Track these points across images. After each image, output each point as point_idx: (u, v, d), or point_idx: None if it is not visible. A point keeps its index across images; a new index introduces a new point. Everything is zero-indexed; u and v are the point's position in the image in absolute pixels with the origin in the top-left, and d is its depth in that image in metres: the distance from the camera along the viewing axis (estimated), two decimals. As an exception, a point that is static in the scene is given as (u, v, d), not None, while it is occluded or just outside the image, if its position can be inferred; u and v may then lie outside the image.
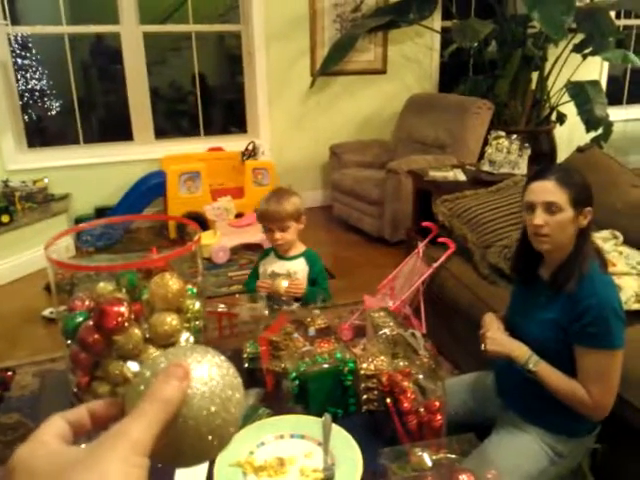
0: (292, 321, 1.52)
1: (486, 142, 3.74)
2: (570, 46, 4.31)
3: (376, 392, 1.25)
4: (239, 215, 3.93)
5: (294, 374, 1.22)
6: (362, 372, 1.24)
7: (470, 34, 3.86)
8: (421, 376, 1.15)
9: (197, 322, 1.36)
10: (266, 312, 1.56)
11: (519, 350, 1.39)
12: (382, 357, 1.28)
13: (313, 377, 1.22)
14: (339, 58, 4.37)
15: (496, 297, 1.97)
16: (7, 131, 3.89)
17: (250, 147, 4.24)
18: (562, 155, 4.77)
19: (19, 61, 3.99)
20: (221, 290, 3.24)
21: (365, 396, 1.25)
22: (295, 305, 1.82)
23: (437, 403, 1.10)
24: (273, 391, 1.36)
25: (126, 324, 1.21)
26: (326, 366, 1.24)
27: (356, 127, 4.82)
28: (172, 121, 4.79)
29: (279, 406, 1.28)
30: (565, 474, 1.50)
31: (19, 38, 3.93)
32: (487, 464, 1.22)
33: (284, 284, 1.83)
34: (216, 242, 3.66)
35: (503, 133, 3.04)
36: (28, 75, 4.07)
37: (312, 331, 1.50)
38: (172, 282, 1.30)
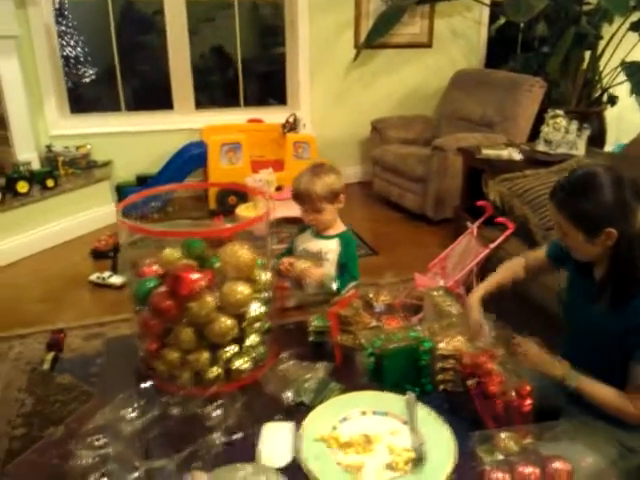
0: (358, 297, 1.48)
1: (538, 121, 3.61)
2: (626, 24, 4.11)
3: (452, 373, 1.21)
4: (279, 188, 3.89)
5: (370, 350, 1.19)
6: (439, 352, 1.20)
7: (524, 8, 3.69)
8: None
9: (266, 293, 1.33)
10: (334, 287, 1.52)
11: (553, 367, 1.24)
12: (459, 337, 1.23)
13: (389, 354, 1.18)
14: (385, 30, 4.24)
15: (557, 281, 1.90)
16: (50, 96, 3.88)
17: (291, 120, 4.17)
18: (611, 138, 4.60)
19: (58, 27, 3.96)
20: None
21: (440, 376, 1.21)
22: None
23: (528, 387, 1.05)
24: (342, 365, 1.33)
25: (200, 291, 1.19)
26: (403, 344, 1.20)
27: (398, 102, 4.70)
28: (208, 91, 4.73)
29: (349, 381, 1.25)
30: (634, 469, 1.45)
31: (56, 3, 3.89)
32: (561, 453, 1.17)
33: (303, 264, 1.72)
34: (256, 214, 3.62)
35: (561, 112, 2.92)
36: (64, 42, 4.04)
37: (379, 307, 1.46)
38: (243, 252, 1.27)
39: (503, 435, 1.03)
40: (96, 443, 1.10)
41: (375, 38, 4.26)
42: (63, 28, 4.01)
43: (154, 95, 4.49)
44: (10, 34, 3.34)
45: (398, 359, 1.20)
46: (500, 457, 1.00)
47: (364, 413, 1.05)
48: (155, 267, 1.33)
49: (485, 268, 2.34)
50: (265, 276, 1.33)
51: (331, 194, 1.74)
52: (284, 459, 0.94)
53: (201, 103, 4.45)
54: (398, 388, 1.16)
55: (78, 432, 1.14)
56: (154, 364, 1.28)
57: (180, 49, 4.18)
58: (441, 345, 1.21)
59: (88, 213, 3.59)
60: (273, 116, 4.33)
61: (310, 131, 4.22)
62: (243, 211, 3.69)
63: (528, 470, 0.95)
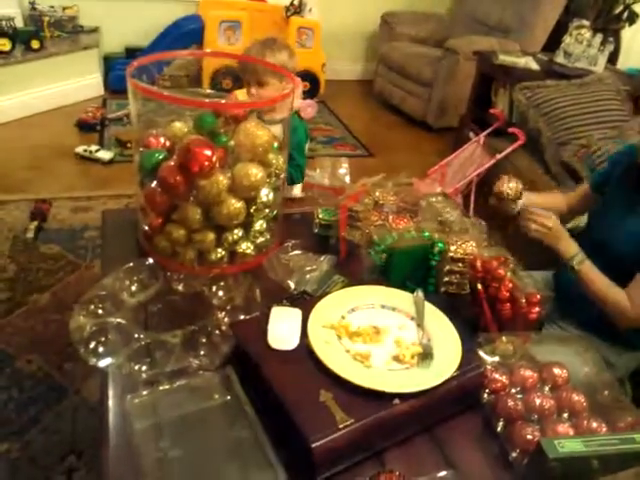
0: (368, 194, 1.44)
1: (555, 32, 3.43)
2: None
3: (458, 276, 1.21)
4: (278, 76, 3.69)
5: (382, 247, 1.17)
6: (450, 254, 1.19)
7: None
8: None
9: (277, 179, 1.28)
10: (347, 180, 1.47)
11: (567, 243, 1.31)
12: (472, 242, 1.22)
13: (401, 252, 1.17)
14: None
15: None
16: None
17: (296, 2, 3.86)
18: (622, 59, 4.42)
19: None
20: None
21: (446, 278, 1.21)
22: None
23: (538, 296, 1.05)
24: (345, 260, 1.32)
25: (212, 169, 1.12)
26: (415, 243, 1.18)
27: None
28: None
29: (352, 276, 1.24)
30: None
31: None
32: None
33: None
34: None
35: (587, 22, 2.76)
36: None
37: (387, 207, 1.42)
38: (261, 132, 1.20)
39: (505, 339, 1.04)
40: (97, 311, 1.09)
41: None
42: None
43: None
44: None
45: (409, 257, 1.19)
46: (499, 359, 1.02)
47: (372, 306, 1.05)
48: (162, 139, 1.25)
49: (485, 181, 2.31)
50: (278, 161, 1.27)
51: (283, 68, 1.59)
52: (292, 342, 0.94)
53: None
54: (403, 286, 1.16)
55: (66, 304, 1.12)
56: (157, 240, 1.24)
57: None
58: (452, 248, 1.19)
59: (73, 82, 3.38)
60: (277, -4, 4.01)
61: (316, 17, 3.94)
62: (240, 96, 3.51)
63: (527, 373, 0.97)
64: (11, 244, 2.19)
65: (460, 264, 1.20)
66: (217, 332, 1.04)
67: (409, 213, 1.46)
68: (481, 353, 1.01)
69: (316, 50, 3.86)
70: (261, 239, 1.28)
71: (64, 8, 3.48)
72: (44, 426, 1.54)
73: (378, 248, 1.17)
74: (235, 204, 1.17)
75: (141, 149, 1.22)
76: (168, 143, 1.24)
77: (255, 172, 1.17)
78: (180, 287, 1.17)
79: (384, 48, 3.96)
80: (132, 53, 3.75)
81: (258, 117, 1.58)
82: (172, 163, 1.13)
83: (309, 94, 3.83)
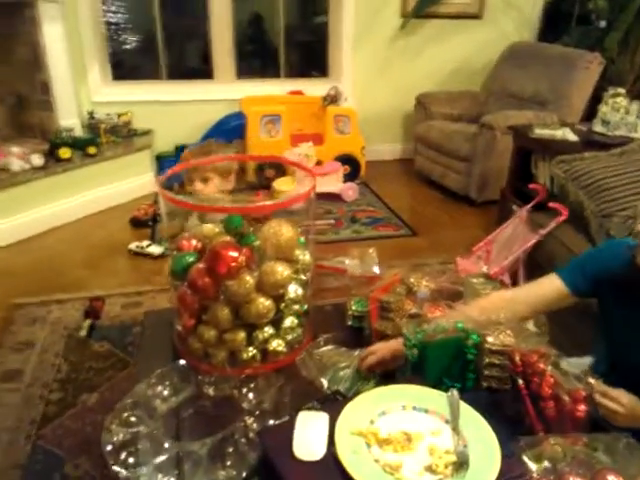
0: (401, 281, 1.42)
1: (594, 101, 3.41)
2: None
3: (499, 369, 1.14)
4: (318, 163, 3.82)
5: (413, 341, 1.13)
6: (487, 346, 1.13)
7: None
8: (564, 360, 1.02)
9: (305, 274, 1.28)
10: (377, 270, 1.46)
11: None
12: (508, 331, 1.16)
13: (433, 346, 1.12)
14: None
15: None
16: (94, 63, 3.88)
17: (332, 92, 4.06)
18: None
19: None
20: (318, 238, 3.17)
21: (487, 372, 1.14)
22: None
23: (582, 392, 0.97)
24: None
25: (239, 270, 1.15)
26: (448, 336, 1.13)
27: (444, 76, 4.52)
28: (250, 61, 4.64)
29: (387, 372, 1.20)
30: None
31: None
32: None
33: None
34: (294, 189, 3.58)
35: (623, 90, 2.74)
36: (108, 8, 4.01)
37: (422, 293, 1.39)
38: (284, 230, 1.22)
39: (552, 441, 0.96)
40: (130, 419, 1.09)
41: (425, 6, 4.08)
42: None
43: (195, 64, 4.44)
44: (55, -1, 3.32)
45: (442, 351, 1.14)
46: (547, 465, 0.93)
47: (404, 408, 1.00)
48: (194, 241, 1.29)
49: (533, 256, 2.24)
50: (305, 256, 1.28)
51: (223, 167, 1.66)
52: (318, 452, 0.90)
53: (242, 73, 4.38)
54: (440, 382, 1.10)
55: (112, 403, 1.13)
56: (190, 341, 1.26)
57: (223, 16, 4.10)
58: (489, 339, 1.14)
59: (128, 182, 3.61)
60: (314, 88, 4.23)
61: (351, 104, 4.11)
62: (281, 185, 3.65)
63: (578, 481, 0.88)
64: (65, 343, 2.26)
65: (500, 356, 1.14)
66: (244, 440, 1.01)
67: (445, 300, 1.42)
68: (525, 459, 0.93)
69: (354, 135, 3.99)
70: (292, 335, 1.27)
71: (119, 115, 3.79)
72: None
73: (409, 343, 1.13)
74: (264, 302, 1.18)
75: (174, 252, 1.26)
76: (199, 245, 1.28)
77: (281, 270, 1.18)
78: (211, 391, 1.17)
79: (420, 127, 4.05)
80: (182, 151, 4.01)
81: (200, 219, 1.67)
82: (201, 265, 1.16)
83: (350, 177, 3.92)
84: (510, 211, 2.64)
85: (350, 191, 3.77)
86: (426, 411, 1.00)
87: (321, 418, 0.98)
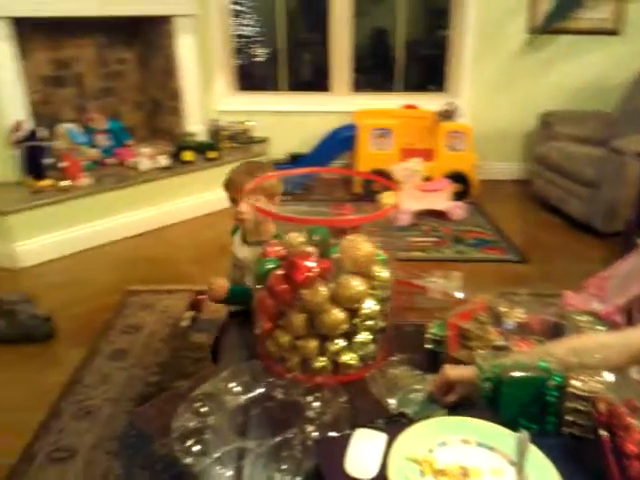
0: (487, 309, 1.35)
1: None
2: None
3: (584, 416, 1.04)
4: (426, 179, 3.76)
5: (487, 374, 1.06)
6: (571, 390, 1.04)
7: None
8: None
9: (383, 291, 1.27)
10: (460, 294, 1.40)
11: None
12: (600, 377, 1.05)
13: (510, 382, 1.05)
14: (567, 14, 3.82)
15: None
16: (221, 73, 4.17)
17: (447, 107, 3.97)
18: None
19: (234, 7, 4.20)
20: (399, 254, 3.13)
21: (569, 417, 1.05)
22: None
23: (677, 456, 0.86)
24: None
25: (314, 280, 1.17)
26: (528, 374, 1.05)
27: (571, 95, 4.23)
28: (367, 74, 4.70)
29: (459, 403, 1.14)
30: None
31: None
32: None
33: (222, 282, 1.60)
34: (399, 203, 3.54)
35: None
36: (239, 22, 4.29)
37: (510, 324, 1.31)
38: (363, 245, 1.22)
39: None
40: (201, 410, 1.15)
41: (554, 22, 3.86)
42: (239, 8, 4.27)
43: (314, 76, 4.60)
44: (189, 13, 3.63)
45: (520, 390, 1.06)
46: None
47: (466, 442, 0.95)
48: (278, 248, 1.34)
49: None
50: (385, 273, 1.26)
51: (270, 188, 1.59)
52: (370, 472, 0.89)
53: (359, 86, 4.45)
54: (513, 422, 1.03)
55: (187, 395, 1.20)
56: (267, 344, 1.30)
57: (342, 31, 4.20)
58: (575, 383, 1.04)
59: (242, 185, 3.82)
60: (429, 103, 4.17)
61: (467, 121, 4.00)
62: (386, 198, 3.63)
63: None
64: (169, 330, 2.44)
65: (585, 402, 1.04)
66: (300, 447, 1.02)
67: (538, 336, 1.32)
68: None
69: (467, 152, 3.87)
70: (365, 351, 1.26)
71: (240, 123, 4.03)
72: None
73: (483, 375, 1.07)
74: (337, 314, 1.19)
75: (259, 258, 1.32)
76: (283, 252, 1.32)
77: (356, 284, 1.18)
78: (279, 394, 1.19)
79: (542, 148, 3.82)
80: (295, 159, 4.17)
81: (244, 239, 1.67)
82: (280, 272, 1.20)
83: (460, 196, 3.80)
84: (634, 246, 2.39)
85: (458, 210, 3.66)
86: (491, 449, 0.94)
87: (379, 438, 0.97)
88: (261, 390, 1.20)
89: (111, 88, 3.86)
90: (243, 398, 1.19)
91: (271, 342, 1.29)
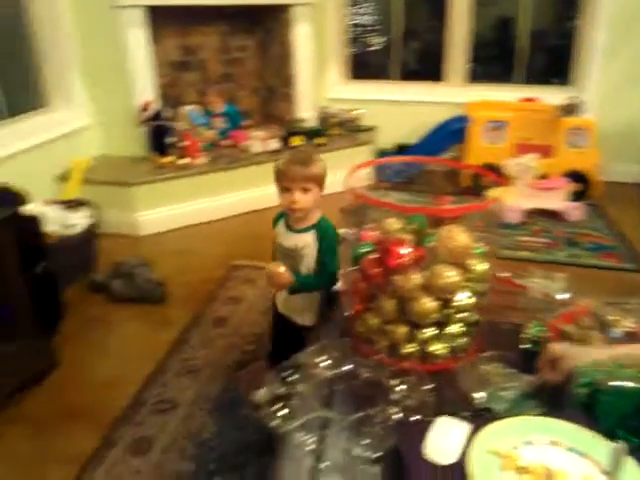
0: (591, 314, 1.27)
1: None
2: None
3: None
4: (543, 176, 3.56)
5: (585, 379, 1.01)
6: (680, 405, 0.96)
7: None
8: None
9: (480, 284, 1.24)
10: (563, 296, 1.34)
11: None
12: None
13: (609, 391, 0.99)
14: None
15: None
16: (334, 62, 4.23)
17: (571, 102, 3.72)
18: None
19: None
20: (504, 252, 3.02)
21: (676, 435, 0.97)
22: None
23: None
24: (548, 387, 1.17)
25: (406, 267, 1.17)
26: (630, 384, 0.99)
27: None
28: (485, 65, 4.52)
29: (554, 407, 1.09)
30: None
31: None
32: None
33: (280, 268, 1.54)
34: (509, 200, 3.40)
35: None
36: (356, 10, 4.30)
37: (617, 332, 1.23)
38: (460, 236, 1.20)
39: None
40: (288, 379, 1.21)
41: None
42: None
43: (427, 66, 4.51)
44: (308, 1, 3.71)
45: (620, 399, 1.00)
46: None
47: (556, 444, 0.91)
48: (374, 233, 1.35)
49: None
50: (482, 266, 1.24)
51: (322, 177, 1.62)
52: (448, 457, 0.89)
53: (476, 77, 4.29)
54: (611, 433, 0.97)
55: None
56: (356, 324, 1.33)
57: (461, 19, 4.07)
58: (684, 398, 0.96)
59: (346, 172, 3.86)
60: (551, 96, 3.93)
61: (592, 117, 3.72)
62: (495, 194, 3.49)
63: None
64: (268, 305, 2.55)
65: (696, 421, 0.95)
66: (382, 425, 1.04)
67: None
68: None
69: (589, 150, 3.61)
70: (455, 342, 1.25)
71: (349, 111, 4.07)
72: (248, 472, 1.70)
73: (580, 381, 1.01)
74: (427, 302, 1.19)
75: (355, 241, 1.34)
76: (379, 236, 1.34)
77: (450, 274, 1.17)
78: (365, 373, 1.22)
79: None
80: (402, 149, 4.14)
81: (288, 227, 1.65)
82: (374, 256, 1.22)
83: (578, 196, 3.56)
84: None
85: (575, 211, 3.43)
86: (582, 454, 0.90)
87: (462, 427, 0.96)
88: (348, 367, 1.23)
89: (231, 74, 4.07)
90: (330, 372, 1.23)
91: (361, 323, 1.32)
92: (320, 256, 1.60)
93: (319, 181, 1.59)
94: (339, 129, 3.96)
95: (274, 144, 3.62)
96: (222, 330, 2.36)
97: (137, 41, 3.26)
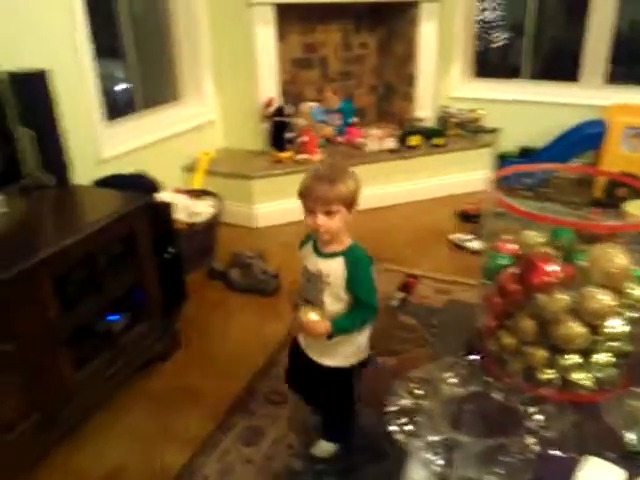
0: None
1: None
2: None
3: None
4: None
5: None
6: None
7: None
8: None
9: (636, 311, 1.12)
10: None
11: None
12: None
13: None
14: None
15: None
16: (458, 60, 4.07)
17: None
18: None
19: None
20: None
21: None
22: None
23: None
24: None
25: (552, 286, 1.08)
26: None
27: None
28: (626, 65, 4.11)
29: None
30: None
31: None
32: None
33: (311, 315, 1.36)
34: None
35: None
36: (483, 6, 4.10)
37: None
38: (618, 257, 1.09)
39: None
40: (416, 391, 1.17)
41: None
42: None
43: (560, 65, 4.19)
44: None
45: None
46: None
47: None
48: (511, 245, 1.27)
49: None
50: (639, 292, 1.11)
51: (350, 197, 1.37)
52: (603, 508, 0.80)
53: (616, 78, 3.92)
54: None
55: (405, 372, 1.23)
56: (487, 342, 1.26)
57: (603, 14, 3.73)
58: None
59: (464, 175, 3.72)
60: None
61: None
62: (633, 208, 3.17)
63: None
64: (380, 306, 2.51)
65: None
66: (520, 456, 0.97)
67: None
68: None
69: None
70: (603, 373, 1.14)
71: (470, 111, 3.90)
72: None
73: None
74: (575, 327, 1.09)
75: (490, 252, 1.27)
76: (517, 250, 1.25)
77: (604, 298, 1.06)
78: (497, 396, 1.15)
79: None
80: (526, 153, 3.90)
81: (316, 249, 1.44)
82: (513, 270, 1.14)
83: None
84: None
85: None
86: None
87: (614, 473, 0.86)
88: (478, 388, 1.17)
89: (350, 71, 4.06)
90: (459, 391, 1.17)
91: (493, 341, 1.25)
92: (351, 288, 1.39)
93: (347, 202, 1.36)
94: (459, 130, 3.81)
95: (390, 143, 3.57)
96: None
97: (266, 38, 3.35)
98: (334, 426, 1.63)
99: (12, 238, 1.76)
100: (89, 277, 1.81)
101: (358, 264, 1.38)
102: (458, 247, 3.02)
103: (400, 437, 1.05)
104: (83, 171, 2.38)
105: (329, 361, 1.46)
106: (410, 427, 1.07)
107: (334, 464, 1.61)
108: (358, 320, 1.40)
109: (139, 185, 2.43)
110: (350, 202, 1.37)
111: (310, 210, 1.35)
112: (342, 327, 1.38)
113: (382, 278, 2.71)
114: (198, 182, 3.20)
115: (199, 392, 2.01)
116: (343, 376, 1.47)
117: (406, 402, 1.12)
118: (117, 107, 3.09)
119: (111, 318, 1.94)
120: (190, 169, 3.35)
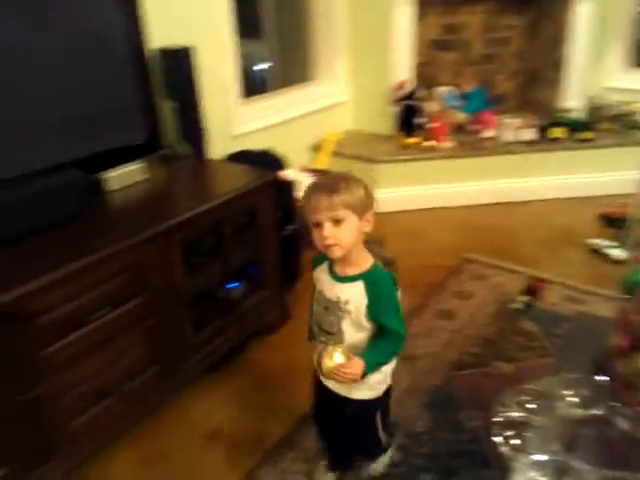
0: None
1: None
2: None
3: None
4: None
5: None
6: None
7: None
8: None
9: None
10: None
11: None
12: None
13: None
14: None
15: None
16: (615, 46, 3.65)
17: None
18: None
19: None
20: None
21: None
22: None
23: None
24: None
25: None
26: None
27: None
28: None
29: None
30: None
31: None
32: None
33: (336, 358, 1.20)
34: None
35: None
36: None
37: None
38: None
39: None
40: (527, 405, 1.08)
41: None
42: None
43: None
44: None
45: None
46: None
47: None
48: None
49: None
50: None
51: (359, 204, 1.18)
52: None
53: None
54: None
55: (521, 382, 1.14)
56: (617, 362, 1.12)
57: None
58: None
59: (610, 175, 3.36)
60: None
61: None
62: None
63: None
64: (499, 308, 2.38)
65: None
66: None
67: None
68: None
69: None
70: None
71: (628, 103, 3.48)
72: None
73: None
74: None
75: (634, 264, 1.12)
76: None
77: None
78: (624, 424, 1.02)
79: None
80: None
81: (332, 272, 1.27)
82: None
83: None
84: None
85: None
86: None
87: None
88: (601, 412, 1.05)
89: (492, 55, 3.82)
90: (577, 411, 1.06)
91: (624, 363, 1.11)
92: (375, 315, 1.23)
93: (356, 209, 1.19)
94: (611, 124, 3.43)
95: (529, 134, 3.31)
96: (445, 323, 2.28)
97: (403, 19, 3.27)
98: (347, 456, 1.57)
99: (150, 203, 1.91)
100: (214, 246, 1.91)
101: (381, 288, 1.23)
102: (596, 253, 2.75)
103: (505, 450, 0.98)
104: (217, 145, 2.51)
105: (353, 393, 1.34)
106: (517, 441, 0.99)
107: (435, 462, 1.55)
108: (389, 353, 1.28)
109: (266, 162, 2.52)
110: (360, 209, 1.19)
111: (316, 223, 1.19)
112: (376, 364, 1.25)
113: (503, 278, 2.57)
114: (323, 162, 3.24)
115: (302, 367, 2.04)
116: (368, 408, 1.37)
117: (515, 414, 1.04)
118: (254, 85, 3.22)
119: (230, 285, 2.03)
120: (317, 149, 3.40)
